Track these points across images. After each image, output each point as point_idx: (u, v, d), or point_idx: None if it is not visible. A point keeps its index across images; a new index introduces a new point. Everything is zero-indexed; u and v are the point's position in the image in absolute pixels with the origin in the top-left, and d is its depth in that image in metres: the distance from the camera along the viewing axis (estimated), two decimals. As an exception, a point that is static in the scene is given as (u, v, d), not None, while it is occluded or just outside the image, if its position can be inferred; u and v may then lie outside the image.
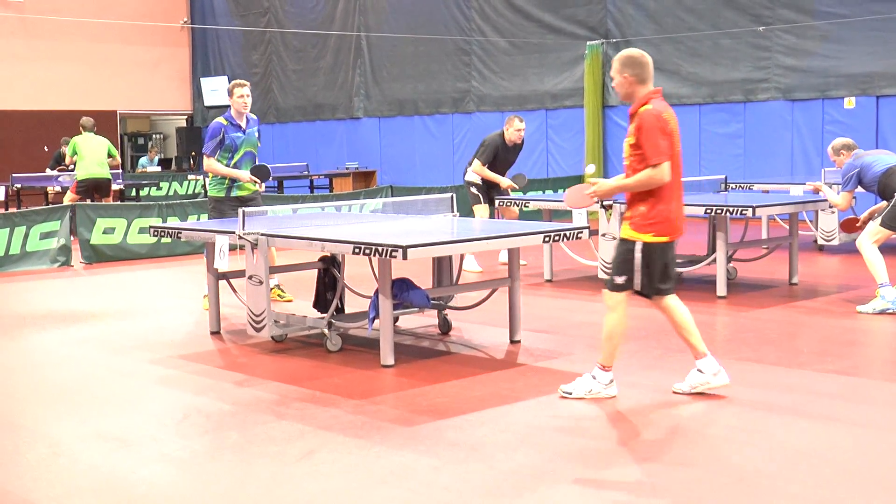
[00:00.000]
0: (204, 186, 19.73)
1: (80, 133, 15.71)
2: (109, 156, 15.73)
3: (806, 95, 16.62)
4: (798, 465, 4.85)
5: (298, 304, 9.12)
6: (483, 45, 21.02)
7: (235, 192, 9.40)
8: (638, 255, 5.88)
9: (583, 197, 6.50)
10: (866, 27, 15.81)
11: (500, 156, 11.74)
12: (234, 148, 9.32)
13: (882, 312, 8.46)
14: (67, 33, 24.66)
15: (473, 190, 11.79)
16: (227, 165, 9.33)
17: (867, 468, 4.81)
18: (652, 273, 5.89)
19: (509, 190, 11.85)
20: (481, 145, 11.92)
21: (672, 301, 6.03)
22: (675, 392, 6.13)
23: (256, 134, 9.57)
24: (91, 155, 15.45)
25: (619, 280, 5.95)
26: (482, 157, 11.71)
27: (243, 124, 9.42)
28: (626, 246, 5.94)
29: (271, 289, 8.77)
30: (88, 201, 14.80)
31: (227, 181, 9.34)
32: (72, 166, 17.19)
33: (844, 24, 16.05)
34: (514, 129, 11.62)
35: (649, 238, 5.86)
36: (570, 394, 6.07)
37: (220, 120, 9.40)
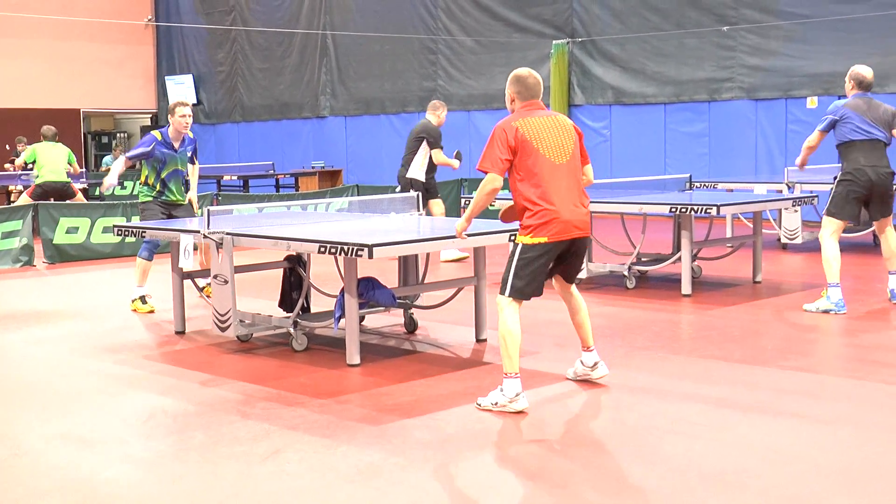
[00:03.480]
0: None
1: (41, 140, 15.63)
2: (69, 163, 15.67)
3: (769, 95, 16.75)
4: (764, 461, 4.89)
5: (264, 303, 9.09)
6: (449, 44, 21.03)
7: (164, 198, 9.51)
8: (514, 257, 5.98)
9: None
10: (829, 27, 15.96)
11: None
12: (162, 162, 9.41)
13: (826, 312, 8.51)
14: (31, 30, 24.41)
15: (417, 186, 11.60)
16: (156, 177, 9.44)
17: (832, 463, 4.86)
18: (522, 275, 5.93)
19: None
20: (425, 136, 11.75)
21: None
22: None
23: (189, 153, 9.64)
24: (49, 163, 15.35)
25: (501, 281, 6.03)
26: (438, 145, 11.80)
27: (177, 144, 9.51)
28: (512, 248, 6.10)
29: (202, 288, 8.89)
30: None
31: (156, 188, 9.48)
32: (21, 170, 17.23)
33: (808, 24, 16.20)
34: (445, 114, 12.05)
35: (527, 239, 5.94)
36: (479, 405, 5.90)
37: (155, 134, 9.51)
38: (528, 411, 5.81)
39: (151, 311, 9.38)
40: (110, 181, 9.59)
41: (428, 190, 11.87)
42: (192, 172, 9.87)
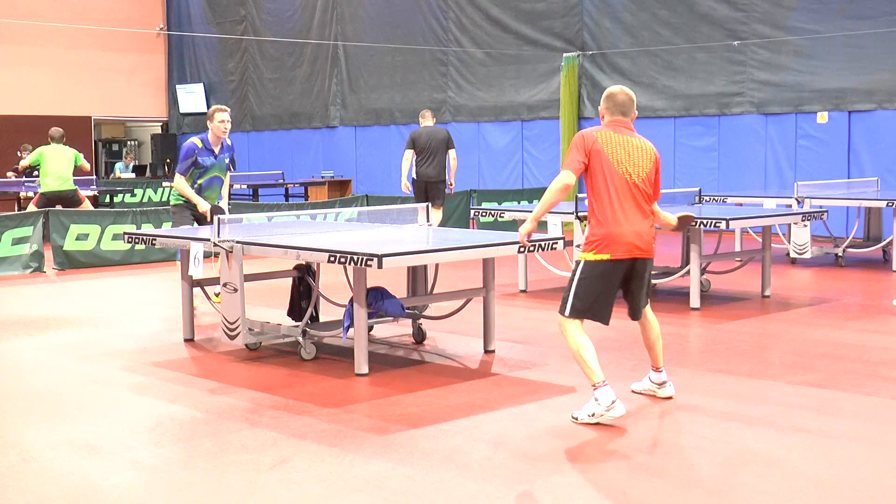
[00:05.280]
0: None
1: (49, 143, 15.36)
2: (76, 164, 15.35)
3: (779, 110, 16.75)
4: (769, 475, 4.89)
5: (273, 312, 9.10)
6: (460, 56, 21.07)
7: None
8: (575, 275, 5.92)
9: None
10: (839, 43, 15.97)
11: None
12: (203, 169, 9.46)
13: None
14: (43, 38, 24.51)
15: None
16: (195, 183, 9.47)
17: (838, 479, 4.85)
18: (586, 295, 5.87)
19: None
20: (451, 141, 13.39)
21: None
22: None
23: (227, 160, 9.65)
24: (55, 169, 15.05)
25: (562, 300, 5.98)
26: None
27: (217, 150, 9.52)
28: (574, 267, 6.02)
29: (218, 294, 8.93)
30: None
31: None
32: (24, 176, 16.91)
33: (818, 39, 16.20)
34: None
35: (589, 256, 5.90)
36: (576, 419, 5.84)
37: (195, 141, 9.48)
38: (546, 423, 5.81)
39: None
40: (199, 205, 9.44)
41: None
42: (226, 181, 9.87)
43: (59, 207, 14.91)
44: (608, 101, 6.11)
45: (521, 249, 6.88)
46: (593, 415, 5.76)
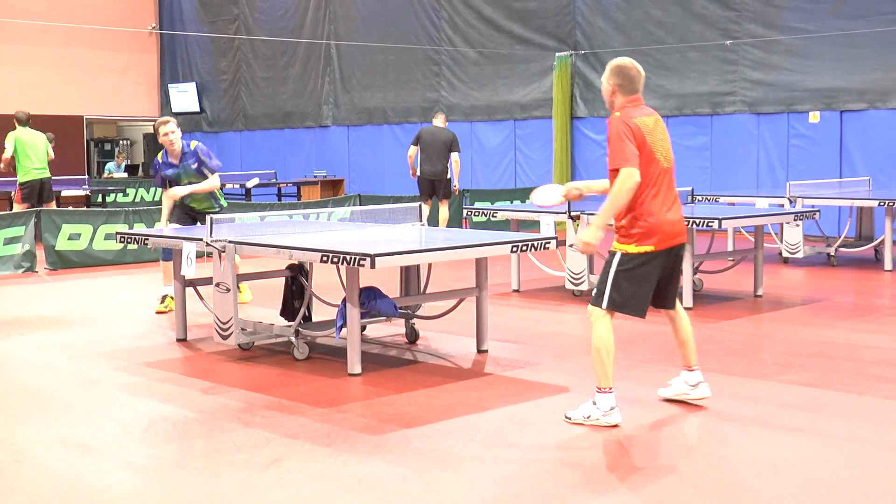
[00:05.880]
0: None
1: (15, 128, 14.90)
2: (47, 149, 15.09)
3: (772, 109, 16.78)
4: (762, 475, 4.90)
5: (265, 311, 9.10)
6: (452, 56, 21.07)
7: (188, 202, 9.77)
8: (612, 267, 5.67)
9: (553, 196, 6.38)
10: (831, 43, 16.00)
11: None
12: (174, 180, 9.66)
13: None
14: (35, 37, 24.45)
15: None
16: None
17: (831, 478, 4.86)
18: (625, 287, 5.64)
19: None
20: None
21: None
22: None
23: (195, 165, 9.64)
24: (35, 154, 14.79)
25: (595, 292, 5.75)
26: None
27: (177, 161, 9.65)
28: (608, 258, 5.75)
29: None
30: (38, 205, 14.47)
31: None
32: (13, 168, 15.70)
33: (810, 39, 16.23)
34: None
35: (630, 248, 5.68)
36: (570, 418, 5.77)
37: (158, 157, 9.79)
38: (538, 422, 5.81)
39: (170, 310, 9.48)
40: (163, 223, 9.75)
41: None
42: (213, 180, 9.75)
43: (39, 200, 14.63)
44: (621, 76, 5.78)
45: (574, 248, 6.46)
46: (588, 417, 5.69)
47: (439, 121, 15.13)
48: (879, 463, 5.10)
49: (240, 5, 25.00)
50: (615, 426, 5.66)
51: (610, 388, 5.68)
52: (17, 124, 15.00)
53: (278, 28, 24.14)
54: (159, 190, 21.74)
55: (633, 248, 5.66)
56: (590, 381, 6.72)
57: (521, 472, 4.99)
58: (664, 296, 5.93)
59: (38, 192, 14.94)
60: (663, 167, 5.70)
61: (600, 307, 5.69)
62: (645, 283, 5.71)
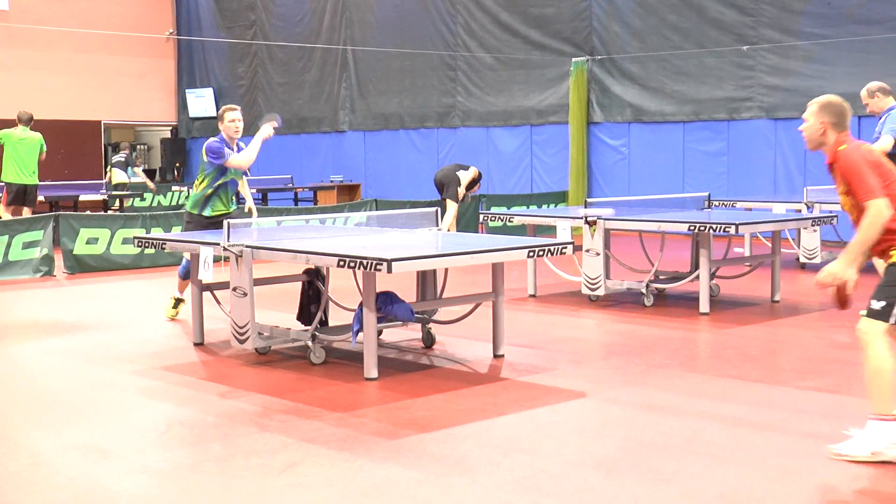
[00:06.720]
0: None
1: (16, 126, 14.84)
2: (40, 152, 14.99)
3: (789, 114, 16.70)
4: (780, 481, 4.88)
5: (282, 316, 9.11)
6: (468, 61, 21.08)
7: (208, 212, 9.25)
8: None
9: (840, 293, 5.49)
10: (848, 48, 15.94)
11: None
12: (224, 170, 9.18)
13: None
14: (53, 43, 24.58)
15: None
16: (214, 183, 9.18)
17: (849, 485, 4.83)
18: None
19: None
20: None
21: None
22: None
23: None
24: (17, 158, 14.73)
25: (877, 305, 5.19)
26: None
27: (234, 149, 9.24)
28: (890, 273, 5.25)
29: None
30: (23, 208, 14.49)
31: (205, 194, 9.22)
32: None
33: (827, 44, 16.18)
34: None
35: None
36: (844, 454, 5.16)
37: (217, 140, 9.19)
38: (555, 428, 5.80)
39: (173, 318, 9.48)
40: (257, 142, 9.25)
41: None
42: (244, 184, 9.70)
43: (23, 203, 14.54)
44: (836, 115, 5.46)
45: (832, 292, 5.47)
46: (874, 453, 5.10)
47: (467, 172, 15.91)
48: (898, 469, 5.07)
49: (257, 11, 25.07)
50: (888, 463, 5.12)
51: (894, 416, 5.11)
52: (17, 122, 15.09)
53: (295, 34, 24.19)
54: (175, 194, 22.14)
55: None
56: (605, 386, 6.74)
57: (538, 478, 4.98)
58: None
59: (21, 196, 14.86)
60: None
61: (887, 321, 5.15)
62: None
